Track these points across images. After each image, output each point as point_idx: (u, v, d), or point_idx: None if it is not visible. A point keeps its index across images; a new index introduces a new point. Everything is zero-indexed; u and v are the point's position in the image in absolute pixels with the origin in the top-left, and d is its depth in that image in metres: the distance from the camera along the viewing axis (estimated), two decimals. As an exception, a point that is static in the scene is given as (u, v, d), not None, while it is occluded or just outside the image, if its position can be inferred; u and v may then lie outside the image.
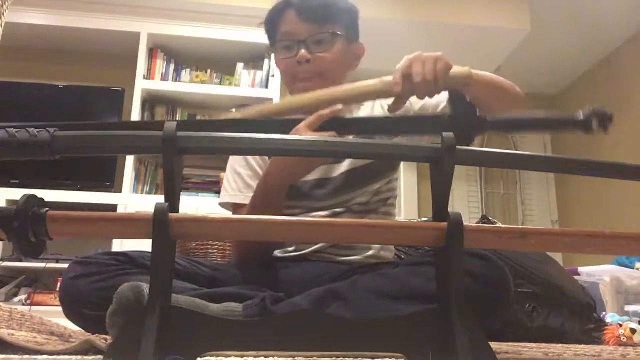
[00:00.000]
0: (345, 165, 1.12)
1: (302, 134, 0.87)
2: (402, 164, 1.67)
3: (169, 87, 3.16)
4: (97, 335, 0.78)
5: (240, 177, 1.15)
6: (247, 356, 0.70)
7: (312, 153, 0.70)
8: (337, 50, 1.10)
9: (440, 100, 1.09)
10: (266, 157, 1.13)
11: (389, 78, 0.89)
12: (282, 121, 0.93)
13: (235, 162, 1.19)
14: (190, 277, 0.96)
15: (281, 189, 1.01)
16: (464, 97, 0.92)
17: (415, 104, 1.12)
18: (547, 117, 0.85)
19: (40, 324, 1.04)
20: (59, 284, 2.47)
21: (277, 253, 1.13)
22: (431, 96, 0.89)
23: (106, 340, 0.73)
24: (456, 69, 0.89)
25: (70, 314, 0.90)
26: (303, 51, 1.07)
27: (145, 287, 0.71)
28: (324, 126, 0.89)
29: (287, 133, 0.89)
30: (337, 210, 1.10)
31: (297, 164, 0.94)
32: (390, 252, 1.20)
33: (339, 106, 0.90)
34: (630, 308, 1.76)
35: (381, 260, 1.12)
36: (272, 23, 1.14)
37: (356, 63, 1.19)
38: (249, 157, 1.16)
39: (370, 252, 1.12)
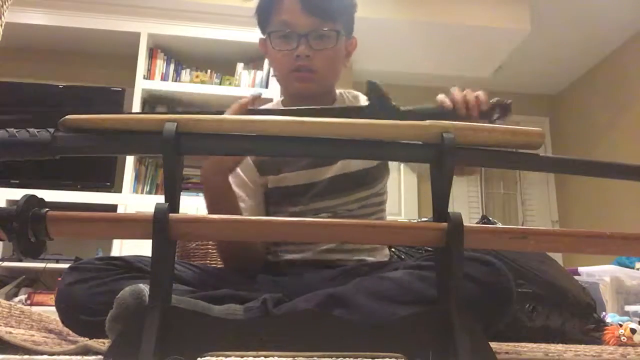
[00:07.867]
0: (333, 170, 1.09)
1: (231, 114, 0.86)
2: (400, 164, 1.65)
3: (169, 87, 3.16)
4: (94, 340, 0.78)
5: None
6: (247, 356, 0.70)
7: (311, 152, 0.70)
8: (338, 49, 1.06)
9: None
10: (250, 162, 1.11)
11: None
12: None
13: None
14: (189, 282, 0.96)
15: (218, 178, 0.98)
16: (381, 87, 0.88)
17: None
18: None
19: (38, 320, 1.04)
20: (59, 284, 2.46)
21: (270, 257, 1.11)
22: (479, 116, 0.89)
23: (104, 343, 0.72)
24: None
25: (67, 321, 0.88)
26: (303, 47, 1.02)
27: (146, 290, 0.71)
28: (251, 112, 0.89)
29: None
30: (321, 215, 1.08)
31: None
32: (384, 249, 1.18)
33: (259, 94, 0.94)
34: (630, 308, 1.75)
35: (379, 259, 1.11)
36: (267, 7, 1.07)
37: (348, 59, 1.14)
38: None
39: (370, 260, 1.09)
